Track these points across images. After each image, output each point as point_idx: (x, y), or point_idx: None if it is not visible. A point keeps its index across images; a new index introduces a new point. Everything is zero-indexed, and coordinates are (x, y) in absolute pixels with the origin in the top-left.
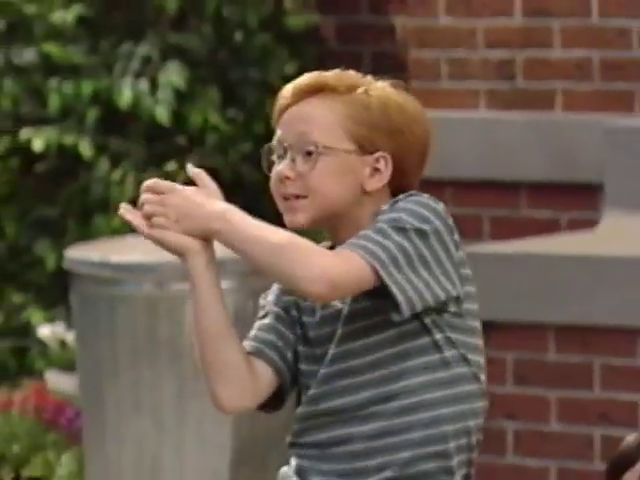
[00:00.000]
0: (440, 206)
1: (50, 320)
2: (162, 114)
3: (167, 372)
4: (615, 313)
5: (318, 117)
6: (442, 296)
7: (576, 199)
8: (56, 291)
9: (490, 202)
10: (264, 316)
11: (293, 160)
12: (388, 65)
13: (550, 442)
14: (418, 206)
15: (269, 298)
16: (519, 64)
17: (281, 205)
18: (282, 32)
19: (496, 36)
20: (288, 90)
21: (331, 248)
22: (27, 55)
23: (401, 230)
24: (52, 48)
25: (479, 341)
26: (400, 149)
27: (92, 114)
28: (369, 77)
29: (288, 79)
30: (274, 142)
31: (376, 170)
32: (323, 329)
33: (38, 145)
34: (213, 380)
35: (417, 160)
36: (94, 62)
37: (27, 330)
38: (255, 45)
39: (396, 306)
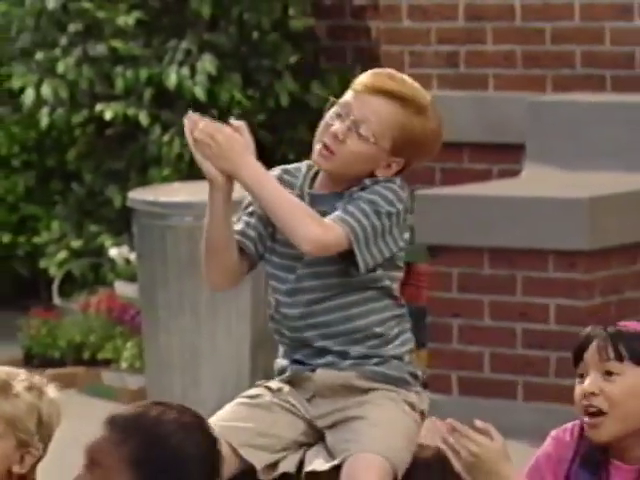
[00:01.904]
0: (405, 193)
1: (118, 244)
2: (199, 93)
3: (203, 282)
4: (532, 238)
5: (383, 115)
6: (387, 256)
7: (504, 155)
8: (122, 223)
9: (440, 157)
10: (251, 213)
11: (349, 129)
12: (365, 57)
13: (484, 334)
14: (391, 193)
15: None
16: (462, 55)
17: (318, 146)
18: (287, 32)
19: (444, 35)
20: (375, 83)
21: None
22: (99, 49)
23: (376, 213)
24: (117, 44)
25: (400, 271)
26: (412, 161)
27: (148, 93)
28: (428, 95)
29: (291, 67)
30: (342, 103)
31: (389, 166)
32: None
33: (108, 115)
34: (210, 272)
35: (409, 168)
36: (149, 54)
37: (101, 251)
38: (268, 42)
39: (356, 266)
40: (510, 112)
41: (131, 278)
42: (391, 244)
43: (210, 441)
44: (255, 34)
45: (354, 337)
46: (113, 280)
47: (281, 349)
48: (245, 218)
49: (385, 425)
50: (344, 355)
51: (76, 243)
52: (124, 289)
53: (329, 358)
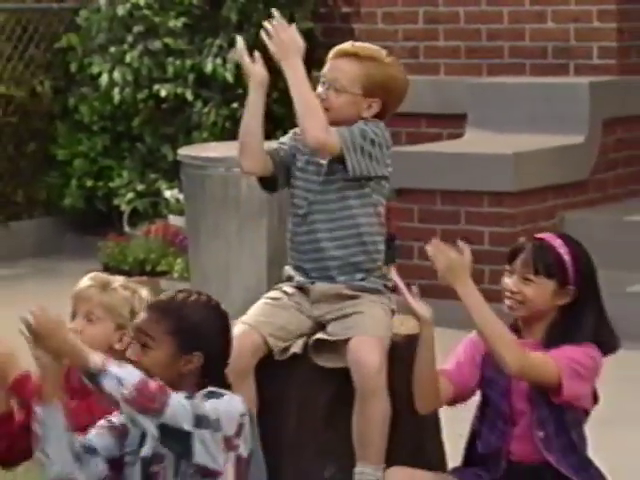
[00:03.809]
0: (386, 132)
1: (171, 188)
2: (229, 77)
3: (233, 216)
4: (472, 183)
5: (347, 70)
6: (373, 174)
7: (452, 122)
8: (174, 172)
9: (405, 124)
10: (282, 143)
11: (328, 89)
12: None
13: None
14: (376, 128)
15: (288, 136)
16: (421, 49)
17: None
18: None
19: (408, 34)
20: (337, 49)
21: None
22: (156, 44)
23: (363, 137)
24: (169, 41)
25: (385, 200)
26: (386, 99)
27: (191, 77)
28: (385, 51)
29: None
30: (321, 74)
31: (370, 107)
32: (310, 164)
33: (163, 93)
34: (242, 155)
35: (392, 108)
36: (192, 49)
37: (158, 193)
38: None
39: (347, 170)
40: (456, 91)
41: (180, 212)
42: (376, 166)
43: (223, 315)
44: None
45: (349, 241)
46: (167, 214)
47: (290, 261)
48: (280, 146)
49: (376, 317)
50: (339, 269)
51: (140, 187)
52: (175, 220)
53: (326, 273)
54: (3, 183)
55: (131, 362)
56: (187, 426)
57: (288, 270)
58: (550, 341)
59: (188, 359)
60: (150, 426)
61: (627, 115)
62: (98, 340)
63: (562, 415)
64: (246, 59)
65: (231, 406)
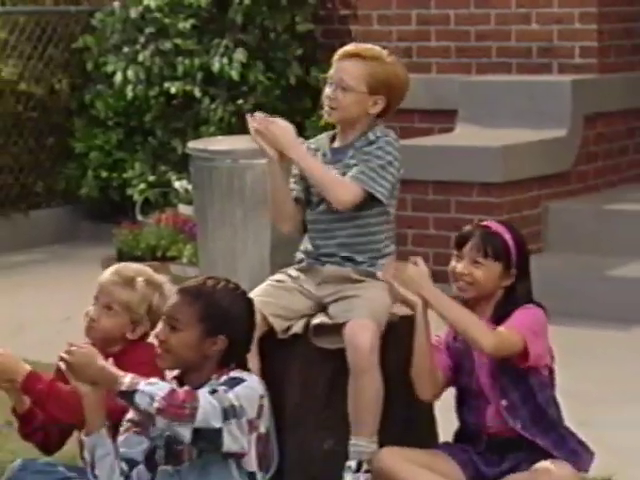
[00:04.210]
0: (399, 144)
1: (180, 179)
2: (234, 75)
3: (238, 205)
4: (462, 174)
5: (352, 70)
6: (390, 194)
7: (443, 117)
8: (183, 164)
9: (399, 119)
10: (295, 175)
11: (335, 89)
12: None
13: (429, 240)
14: (391, 148)
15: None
16: (414, 49)
17: (324, 108)
18: (295, 34)
19: (402, 35)
20: (342, 51)
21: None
22: (166, 45)
23: (381, 166)
24: (179, 41)
25: (394, 209)
26: (390, 96)
27: (199, 75)
28: (386, 51)
29: (298, 58)
30: (328, 75)
31: (375, 103)
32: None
33: (173, 90)
34: (278, 221)
35: (395, 104)
36: (200, 49)
37: (168, 184)
38: (281, 40)
39: (379, 199)
40: (447, 88)
41: (189, 202)
42: (392, 178)
43: (249, 302)
44: (272, 35)
45: (359, 248)
46: (177, 203)
47: (302, 248)
48: (292, 179)
49: (373, 300)
50: (348, 259)
51: (152, 178)
52: (184, 209)
53: (337, 259)
54: (24, 174)
55: (159, 341)
56: (217, 423)
57: (299, 255)
58: (498, 317)
59: (213, 341)
60: (186, 433)
61: (607, 111)
62: (112, 330)
63: (526, 380)
64: (260, 144)
65: (252, 389)
